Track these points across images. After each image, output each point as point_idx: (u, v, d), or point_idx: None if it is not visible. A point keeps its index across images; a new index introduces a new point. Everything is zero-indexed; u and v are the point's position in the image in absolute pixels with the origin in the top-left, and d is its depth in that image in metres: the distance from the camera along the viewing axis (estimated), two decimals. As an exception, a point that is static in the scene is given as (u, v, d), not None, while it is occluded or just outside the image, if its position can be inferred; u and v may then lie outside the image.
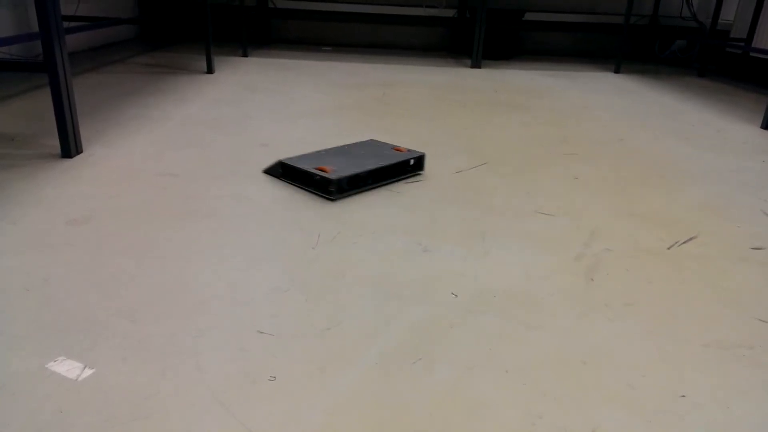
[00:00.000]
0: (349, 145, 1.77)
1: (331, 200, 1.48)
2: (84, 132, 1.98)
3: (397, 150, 1.66)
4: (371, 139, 1.82)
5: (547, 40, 4.77)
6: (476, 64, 3.83)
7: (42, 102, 2.36)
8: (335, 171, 1.50)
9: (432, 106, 2.64)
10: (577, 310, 1.06)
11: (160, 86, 2.77)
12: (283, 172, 1.61)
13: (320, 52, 4.26)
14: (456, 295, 1.09)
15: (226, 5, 4.39)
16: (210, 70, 3.16)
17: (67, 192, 1.47)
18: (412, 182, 1.65)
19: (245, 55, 3.80)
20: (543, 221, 1.44)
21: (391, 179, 1.63)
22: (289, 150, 1.89)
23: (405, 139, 2.09)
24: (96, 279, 1.08)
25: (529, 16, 4.52)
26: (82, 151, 1.78)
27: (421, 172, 1.67)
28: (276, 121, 2.25)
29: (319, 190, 1.51)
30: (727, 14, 4.12)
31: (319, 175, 1.49)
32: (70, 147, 1.71)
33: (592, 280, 1.17)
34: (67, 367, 0.84)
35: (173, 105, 2.42)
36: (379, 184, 1.59)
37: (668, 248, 1.33)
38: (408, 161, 1.60)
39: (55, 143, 1.83)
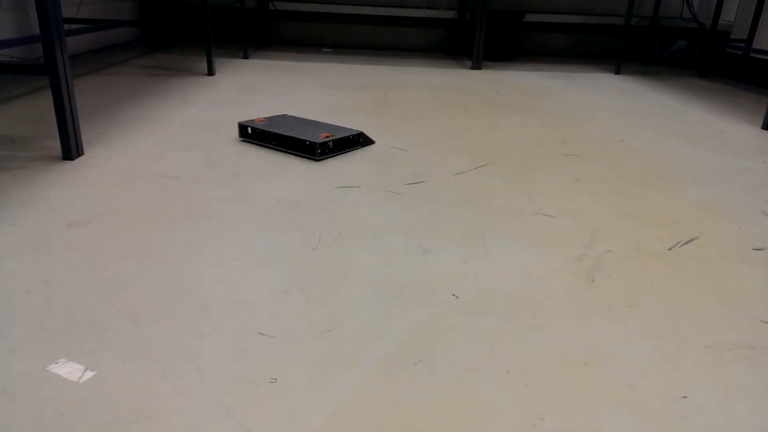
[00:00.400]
0: (316, 121, 2.10)
1: (241, 140, 2.01)
2: (85, 134, 1.98)
3: (325, 135, 1.90)
4: (360, 131, 2.01)
5: (548, 41, 4.78)
6: (476, 66, 3.84)
7: (43, 104, 2.36)
8: (262, 124, 1.99)
9: (432, 108, 2.64)
10: (578, 311, 1.06)
11: (161, 88, 2.77)
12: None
13: (320, 53, 4.26)
14: (457, 296, 1.09)
15: (227, 7, 4.40)
16: (210, 72, 3.16)
17: (67, 194, 1.47)
18: (414, 185, 1.66)
19: (246, 57, 3.80)
20: (544, 222, 1.44)
21: (296, 151, 1.89)
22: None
23: (405, 139, 2.09)
24: (97, 281, 1.08)
25: (529, 18, 4.52)
26: (82, 153, 1.78)
27: (317, 158, 1.84)
28: (276, 122, 2.25)
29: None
30: (728, 15, 4.12)
31: (244, 124, 2.00)
32: (70, 149, 1.71)
33: (593, 281, 1.17)
34: (69, 370, 0.84)
35: (174, 107, 2.42)
36: (282, 149, 1.92)
37: (669, 249, 1.33)
38: (305, 141, 1.85)
39: (56, 145, 1.83)
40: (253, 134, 1.98)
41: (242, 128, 1.99)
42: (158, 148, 1.87)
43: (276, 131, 1.91)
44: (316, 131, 1.92)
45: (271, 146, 1.93)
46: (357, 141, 1.96)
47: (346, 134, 1.92)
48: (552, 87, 3.32)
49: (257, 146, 1.94)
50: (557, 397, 0.84)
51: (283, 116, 2.14)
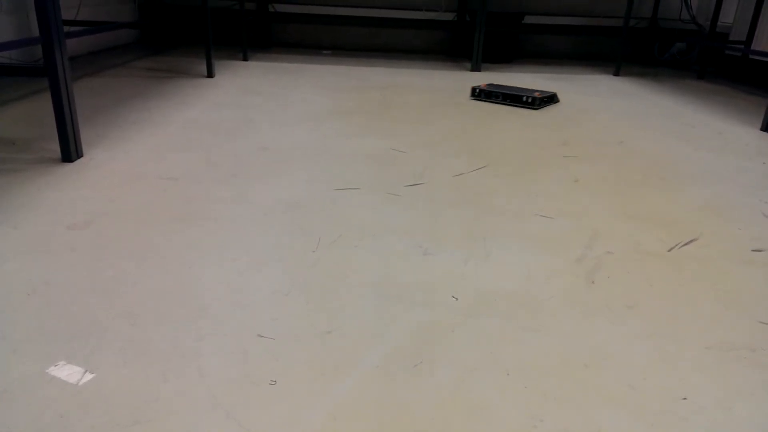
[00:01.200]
0: (518, 87, 3.12)
1: (472, 99, 2.92)
2: (84, 136, 1.98)
3: (538, 93, 2.85)
4: (554, 92, 3.01)
5: (547, 43, 4.78)
6: (476, 68, 3.84)
7: (43, 106, 2.36)
8: (486, 86, 2.97)
9: (432, 109, 2.64)
10: (579, 312, 1.06)
11: (161, 90, 2.78)
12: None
13: (320, 55, 4.27)
14: (457, 298, 1.09)
15: (227, 9, 4.41)
16: (210, 74, 3.16)
17: (67, 196, 1.47)
18: (413, 186, 1.66)
19: (245, 59, 3.81)
20: (544, 223, 1.44)
21: (516, 104, 2.83)
22: (289, 153, 1.89)
23: (405, 141, 2.09)
24: (97, 283, 1.08)
25: (529, 19, 4.52)
26: (82, 155, 1.78)
27: (536, 108, 2.79)
28: (276, 124, 2.25)
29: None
30: (727, 17, 4.12)
31: (474, 87, 2.97)
32: (70, 151, 1.71)
33: (593, 282, 1.17)
34: (68, 372, 0.84)
35: (174, 109, 2.42)
36: (506, 102, 2.87)
37: (669, 250, 1.33)
38: (522, 96, 2.81)
39: (55, 147, 1.83)
40: (480, 94, 2.91)
41: (473, 89, 2.94)
42: (158, 150, 1.87)
43: (502, 91, 2.87)
44: (529, 92, 2.87)
45: (495, 101, 2.86)
46: (552, 99, 2.91)
47: (547, 94, 2.87)
48: (551, 88, 3.33)
49: (485, 102, 2.87)
50: (557, 398, 0.84)
51: (492, 84, 3.10)
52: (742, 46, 3.64)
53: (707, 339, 1.00)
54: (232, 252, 1.22)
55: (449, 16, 4.56)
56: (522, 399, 0.83)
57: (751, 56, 3.83)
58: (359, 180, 1.68)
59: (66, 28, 2.99)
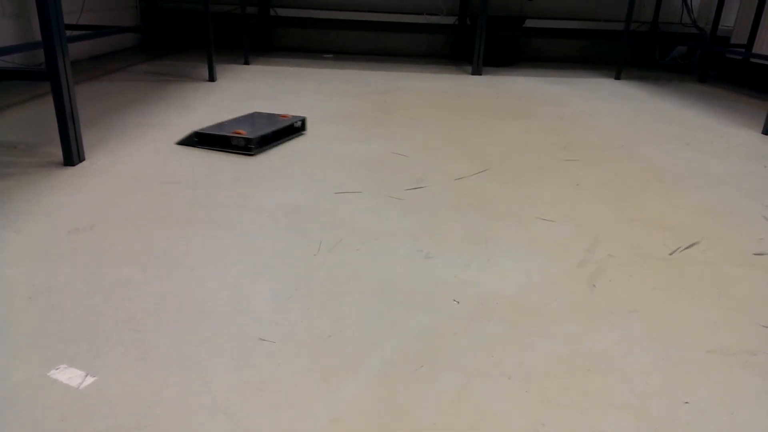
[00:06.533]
0: (242, 116, 2.26)
1: (251, 155, 1.92)
2: (86, 140, 1.98)
3: (283, 116, 2.19)
4: (256, 112, 2.28)
5: (548, 46, 4.79)
6: (477, 71, 3.84)
7: (44, 110, 2.36)
8: (250, 133, 1.97)
9: (433, 113, 2.65)
10: (581, 316, 1.06)
11: (163, 94, 2.78)
12: (199, 140, 2.01)
13: (321, 59, 4.27)
14: (458, 302, 1.09)
15: (228, 14, 4.42)
16: (212, 78, 3.17)
17: (69, 200, 1.48)
18: (415, 190, 1.66)
19: (247, 63, 3.81)
20: (545, 228, 1.44)
21: (285, 138, 2.12)
22: (290, 157, 1.89)
23: (406, 145, 2.09)
24: (99, 287, 1.08)
25: (530, 23, 4.53)
26: (84, 159, 1.78)
27: (303, 132, 2.20)
28: (278, 128, 2.25)
29: (239, 149, 1.95)
30: (728, 20, 4.13)
31: (239, 137, 1.96)
32: (72, 155, 1.72)
33: (594, 286, 1.17)
34: (69, 375, 0.84)
35: (175, 113, 2.42)
36: (278, 142, 2.08)
37: (671, 254, 1.33)
38: (293, 124, 2.17)
39: (57, 151, 1.84)
40: (261, 142, 2.03)
41: (255, 142, 1.99)
42: (160, 154, 1.88)
43: (271, 130, 2.07)
44: (265, 120, 2.20)
45: (272, 145, 2.06)
46: (290, 131, 2.21)
47: (283, 125, 2.15)
48: (552, 92, 3.33)
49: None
50: (559, 403, 0.83)
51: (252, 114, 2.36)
52: (743, 50, 3.65)
53: (709, 343, 0.99)
54: (234, 256, 1.22)
55: (450, 20, 4.57)
56: (524, 403, 0.83)
57: (752, 60, 3.83)
58: (360, 184, 1.68)
59: (68, 32, 3.00)
